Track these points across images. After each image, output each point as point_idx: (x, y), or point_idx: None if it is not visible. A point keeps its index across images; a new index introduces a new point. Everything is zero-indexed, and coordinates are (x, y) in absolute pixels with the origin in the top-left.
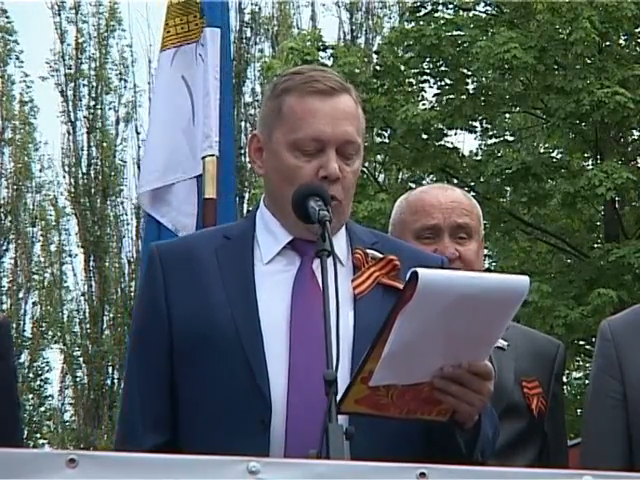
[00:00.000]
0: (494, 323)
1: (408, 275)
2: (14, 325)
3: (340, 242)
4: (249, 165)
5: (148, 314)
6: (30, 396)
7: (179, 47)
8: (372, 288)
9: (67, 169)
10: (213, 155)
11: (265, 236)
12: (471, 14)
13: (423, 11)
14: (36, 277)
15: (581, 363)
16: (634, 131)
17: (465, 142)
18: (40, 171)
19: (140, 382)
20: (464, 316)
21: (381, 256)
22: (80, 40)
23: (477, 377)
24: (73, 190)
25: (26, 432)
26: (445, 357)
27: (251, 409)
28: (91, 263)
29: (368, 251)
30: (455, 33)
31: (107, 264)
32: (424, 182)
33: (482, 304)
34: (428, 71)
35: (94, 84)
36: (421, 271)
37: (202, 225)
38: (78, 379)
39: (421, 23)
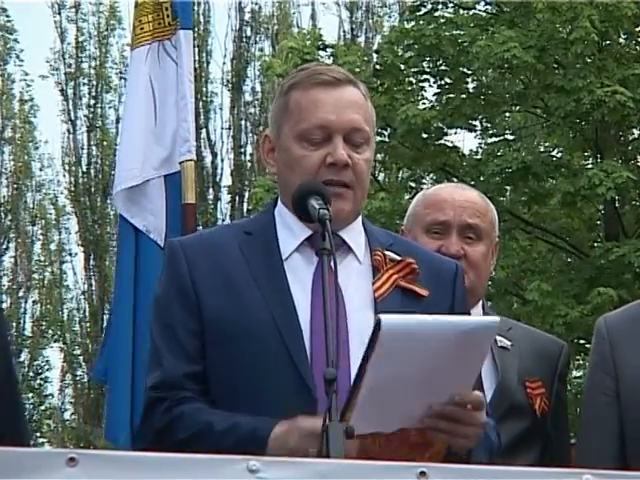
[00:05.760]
0: (468, 363)
1: (374, 323)
2: (14, 324)
3: (359, 239)
4: (249, 164)
5: (176, 302)
6: (30, 395)
7: (151, 44)
8: (391, 291)
9: (67, 168)
10: (192, 160)
11: (284, 232)
12: (471, 13)
13: (423, 10)
14: (36, 276)
15: (581, 362)
16: (634, 130)
17: (465, 141)
18: (40, 170)
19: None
20: (435, 359)
21: (399, 258)
22: (80, 39)
23: (467, 410)
24: (73, 189)
25: None
26: (424, 398)
27: (297, 403)
28: (91, 262)
29: (386, 253)
30: (455, 32)
31: (107, 263)
32: (424, 181)
33: (452, 347)
34: (428, 70)
35: (94, 83)
36: (384, 319)
37: (181, 230)
38: (78, 378)
39: (421, 22)
